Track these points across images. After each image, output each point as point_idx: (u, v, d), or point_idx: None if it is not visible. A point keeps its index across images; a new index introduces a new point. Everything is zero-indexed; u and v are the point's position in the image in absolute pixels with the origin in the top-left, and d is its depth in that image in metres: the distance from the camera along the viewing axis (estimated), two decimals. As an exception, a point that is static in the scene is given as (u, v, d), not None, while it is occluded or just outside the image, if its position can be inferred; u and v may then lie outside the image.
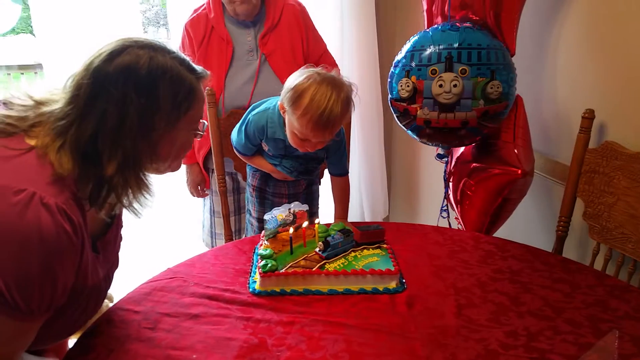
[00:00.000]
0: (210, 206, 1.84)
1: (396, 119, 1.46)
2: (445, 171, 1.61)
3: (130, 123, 0.77)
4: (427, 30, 1.40)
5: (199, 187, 1.82)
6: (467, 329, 0.89)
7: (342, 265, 1.06)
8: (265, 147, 1.38)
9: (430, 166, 2.21)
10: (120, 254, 1.00)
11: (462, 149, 1.55)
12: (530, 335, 0.87)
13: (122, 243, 1.00)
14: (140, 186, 0.82)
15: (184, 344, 0.86)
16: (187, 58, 0.85)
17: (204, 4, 1.64)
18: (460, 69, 1.27)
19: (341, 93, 1.17)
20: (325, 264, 1.06)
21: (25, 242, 0.68)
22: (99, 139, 0.76)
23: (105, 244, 0.90)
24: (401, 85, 1.36)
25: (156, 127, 0.80)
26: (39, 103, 0.81)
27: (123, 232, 1.01)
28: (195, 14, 1.64)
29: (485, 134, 1.38)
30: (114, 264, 0.97)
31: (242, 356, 0.83)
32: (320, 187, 1.62)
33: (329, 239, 1.09)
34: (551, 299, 0.98)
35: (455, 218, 1.57)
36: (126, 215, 0.93)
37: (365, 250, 1.13)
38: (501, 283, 1.04)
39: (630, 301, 0.96)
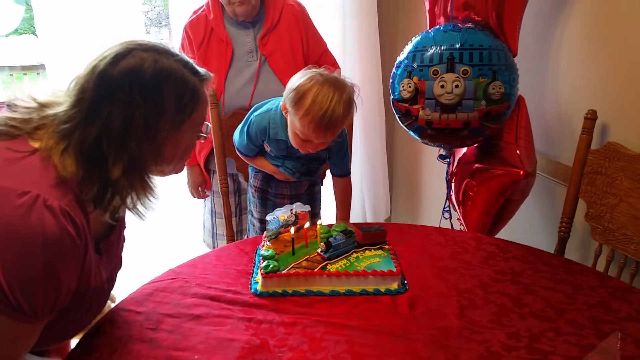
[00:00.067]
0: (211, 207, 1.84)
1: (398, 120, 1.46)
2: (447, 172, 1.61)
3: (136, 126, 0.77)
4: (429, 30, 1.40)
5: (199, 188, 1.82)
6: (469, 330, 0.89)
7: (344, 266, 1.06)
8: (268, 148, 1.38)
9: (432, 167, 2.21)
10: (123, 254, 1.00)
11: (464, 149, 1.55)
12: (533, 336, 0.87)
13: (124, 244, 1.01)
14: (145, 189, 0.82)
15: (185, 344, 0.86)
16: (191, 60, 0.85)
17: (203, 6, 1.65)
18: (462, 69, 1.27)
19: (343, 94, 1.17)
20: (327, 264, 1.06)
21: (29, 244, 0.68)
22: (104, 142, 0.76)
23: (108, 246, 0.90)
24: (403, 86, 1.36)
25: (161, 130, 0.80)
26: (42, 105, 0.81)
27: (125, 232, 1.01)
28: (194, 16, 1.64)
29: (487, 135, 1.38)
30: (117, 265, 0.97)
31: (244, 357, 0.83)
32: (322, 188, 1.62)
33: (330, 239, 1.09)
34: (553, 301, 0.98)
35: (458, 219, 1.57)
36: (128, 216, 0.93)
37: (367, 251, 1.13)
38: (503, 284, 1.04)
39: (632, 303, 0.96)
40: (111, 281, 0.94)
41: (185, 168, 1.77)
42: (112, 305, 1.00)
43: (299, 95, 1.17)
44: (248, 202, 1.59)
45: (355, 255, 1.11)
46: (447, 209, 1.66)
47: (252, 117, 1.36)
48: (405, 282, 1.05)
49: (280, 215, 1.14)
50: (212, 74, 0.89)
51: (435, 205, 2.23)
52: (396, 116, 1.46)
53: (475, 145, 1.48)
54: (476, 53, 1.28)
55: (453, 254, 1.18)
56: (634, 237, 1.21)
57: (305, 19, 1.68)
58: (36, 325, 0.75)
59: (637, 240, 1.20)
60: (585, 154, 1.32)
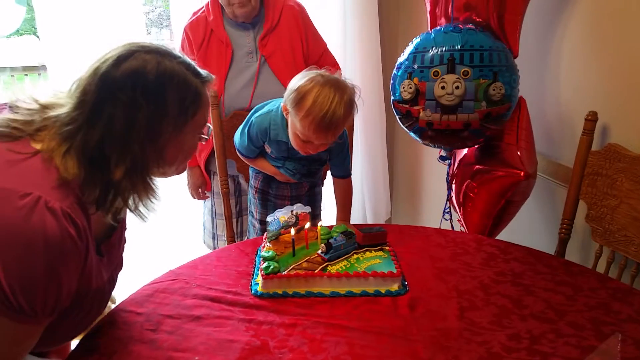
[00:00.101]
0: (212, 208, 1.84)
1: (399, 121, 1.46)
2: (447, 173, 1.61)
3: (138, 128, 0.77)
4: (430, 32, 1.40)
5: (199, 189, 1.82)
6: (470, 331, 0.89)
7: (344, 268, 1.06)
8: (268, 150, 1.38)
9: (433, 168, 2.21)
10: (123, 255, 1.00)
11: (464, 151, 1.55)
12: (533, 338, 0.87)
13: (125, 245, 1.01)
14: (147, 190, 0.82)
15: (186, 345, 0.86)
16: (193, 62, 0.85)
17: (202, 7, 1.65)
18: (462, 70, 1.28)
19: (344, 95, 1.17)
20: (327, 266, 1.06)
21: (30, 246, 0.69)
22: (106, 144, 0.76)
23: (109, 247, 0.90)
24: (403, 87, 1.36)
25: (163, 131, 0.80)
26: (44, 107, 0.81)
27: (126, 233, 1.01)
28: (194, 17, 1.64)
29: (488, 136, 1.38)
30: (118, 266, 0.97)
31: (244, 358, 0.83)
32: (323, 189, 1.62)
33: (331, 241, 1.09)
34: (554, 302, 0.97)
35: (458, 220, 1.57)
36: (129, 217, 0.93)
37: (367, 253, 1.13)
38: (503, 286, 1.04)
39: (633, 304, 0.96)
40: (112, 282, 0.94)
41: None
42: (112, 306, 1.00)
43: (300, 97, 1.17)
44: (248, 203, 1.59)
45: (355, 256, 1.11)
46: (448, 210, 1.66)
47: (252, 118, 1.36)
48: (406, 283, 1.05)
49: (280, 216, 1.14)
50: (213, 76, 0.89)
51: (435, 206, 2.23)
52: (397, 117, 1.46)
53: (476, 146, 1.48)
54: (477, 54, 1.28)
55: (453, 255, 1.18)
56: (635, 238, 1.21)
57: (305, 20, 1.68)
58: (37, 327, 0.75)
59: (638, 241, 1.20)
60: (586, 155, 1.32)
